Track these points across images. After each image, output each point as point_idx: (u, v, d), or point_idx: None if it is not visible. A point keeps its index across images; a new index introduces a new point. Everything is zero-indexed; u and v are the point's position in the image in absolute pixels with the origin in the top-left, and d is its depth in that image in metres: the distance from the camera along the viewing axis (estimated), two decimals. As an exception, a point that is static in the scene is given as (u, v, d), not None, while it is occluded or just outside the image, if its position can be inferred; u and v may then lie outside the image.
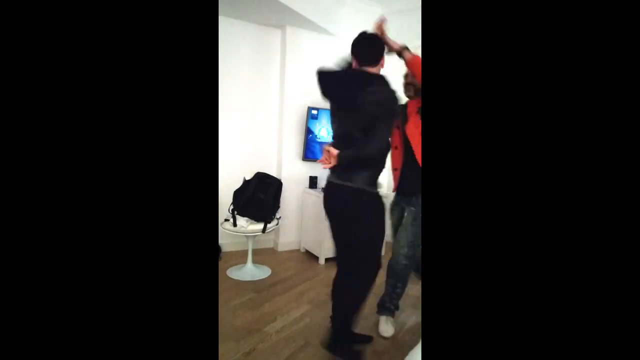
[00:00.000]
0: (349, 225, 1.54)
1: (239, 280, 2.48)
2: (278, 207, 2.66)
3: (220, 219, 2.58)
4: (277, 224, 2.64)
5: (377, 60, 1.52)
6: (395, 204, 1.90)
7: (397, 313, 1.95)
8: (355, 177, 1.47)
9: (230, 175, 2.78)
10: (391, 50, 1.59)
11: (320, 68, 1.56)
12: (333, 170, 1.52)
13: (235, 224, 2.46)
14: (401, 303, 1.95)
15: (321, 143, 3.04)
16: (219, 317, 1.95)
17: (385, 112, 1.44)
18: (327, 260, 2.88)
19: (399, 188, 1.85)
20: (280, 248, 3.16)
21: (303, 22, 2.81)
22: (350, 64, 1.56)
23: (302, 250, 3.17)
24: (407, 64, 1.61)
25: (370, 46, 1.52)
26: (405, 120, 1.76)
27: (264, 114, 3.11)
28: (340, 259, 1.66)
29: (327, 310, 1.76)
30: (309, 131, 3.04)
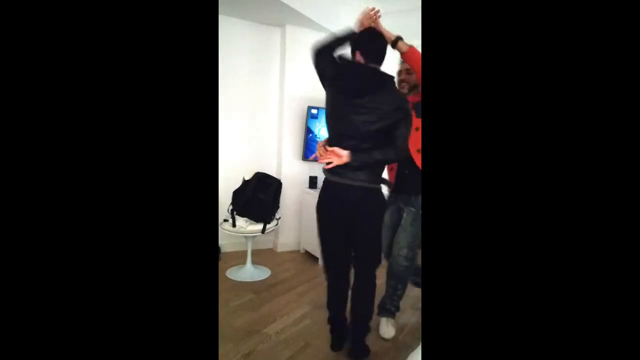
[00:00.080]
0: (354, 225, 1.52)
1: (238, 281, 2.47)
2: (277, 207, 2.65)
3: (220, 219, 2.57)
4: (276, 225, 2.63)
5: (384, 58, 1.50)
6: (391, 204, 1.85)
7: (397, 314, 1.94)
8: (365, 176, 1.46)
9: (230, 175, 2.76)
10: (386, 40, 1.55)
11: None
12: (333, 169, 1.47)
13: (234, 225, 2.45)
14: (401, 304, 1.94)
15: (321, 143, 3.03)
16: (219, 318, 1.94)
17: (405, 116, 1.44)
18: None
19: (397, 188, 1.82)
20: (280, 249, 3.15)
21: (303, 20, 2.80)
22: (351, 60, 1.50)
23: (302, 251, 3.16)
24: (404, 55, 1.59)
25: (378, 43, 1.49)
26: None
27: (264, 113, 3.10)
28: (337, 260, 1.62)
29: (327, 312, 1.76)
30: (308, 131, 3.03)
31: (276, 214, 2.64)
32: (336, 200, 1.51)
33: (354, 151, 1.42)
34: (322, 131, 3.06)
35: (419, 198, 1.74)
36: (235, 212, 2.48)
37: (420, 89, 1.76)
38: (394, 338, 1.85)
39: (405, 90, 1.78)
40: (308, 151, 3.06)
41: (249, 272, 2.57)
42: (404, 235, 1.77)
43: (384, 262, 1.88)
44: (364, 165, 1.44)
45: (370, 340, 1.66)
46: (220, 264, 2.74)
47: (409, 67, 1.74)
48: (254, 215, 2.48)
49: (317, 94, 2.97)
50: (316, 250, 2.92)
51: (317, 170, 3.09)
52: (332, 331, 1.72)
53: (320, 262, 2.86)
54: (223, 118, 2.85)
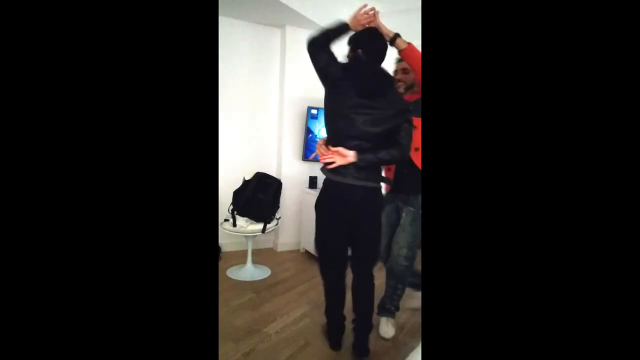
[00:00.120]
0: (356, 224, 1.52)
1: (238, 281, 2.47)
2: (278, 207, 2.65)
3: (220, 219, 2.58)
4: (276, 224, 2.64)
5: (384, 58, 1.49)
6: (389, 203, 1.84)
7: (397, 314, 1.94)
8: (368, 176, 1.48)
9: (230, 175, 2.77)
10: (384, 37, 1.53)
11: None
12: (335, 169, 1.46)
13: (234, 224, 2.46)
14: (401, 304, 1.95)
15: (321, 143, 3.04)
16: (219, 317, 1.94)
17: (409, 117, 1.46)
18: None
19: (395, 187, 1.81)
20: (280, 248, 3.16)
21: (303, 21, 2.81)
22: (362, 60, 1.47)
23: (302, 250, 3.16)
24: (402, 53, 1.57)
25: (379, 43, 1.48)
26: None
27: (264, 114, 3.11)
28: (338, 260, 1.63)
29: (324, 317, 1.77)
30: (308, 131, 3.04)
31: (276, 214, 2.65)
32: (339, 200, 1.50)
33: (359, 151, 1.42)
34: (322, 131, 3.07)
35: (418, 197, 1.74)
36: (235, 212, 2.49)
37: (416, 88, 1.76)
38: (394, 337, 1.85)
39: (401, 90, 1.78)
40: (308, 151, 3.07)
41: (249, 272, 2.57)
42: (404, 235, 1.77)
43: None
44: (368, 165, 1.45)
45: (370, 340, 1.66)
46: (221, 264, 2.75)
47: (405, 66, 1.74)
48: (254, 215, 2.49)
49: (317, 94, 2.97)
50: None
51: (317, 170, 3.10)
52: (330, 333, 1.72)
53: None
54: (224, 118, 2.86)
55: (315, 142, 3.02)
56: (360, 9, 1.50)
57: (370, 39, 1.49)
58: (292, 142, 3.12)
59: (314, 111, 3.02)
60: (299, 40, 2.98)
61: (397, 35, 1.57)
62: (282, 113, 3.08)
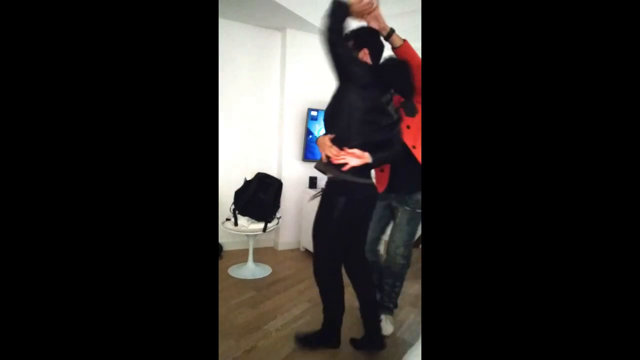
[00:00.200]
0: (360, 222, 1.58)
1: (240, 279, 2.50)
2: (278, 206, 2.68)
3: (222, 218, 2.61)
4: (277, 224, 2.67)
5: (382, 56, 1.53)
6: (380, 201, 1.79)
7: (395, 311, 1.98)
8: (368, 174, 1.53)
9: (232, 176, 2.81)
10: (381, 31, 1.50)
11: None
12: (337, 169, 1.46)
13: (236, 224, 2.49)
14: (399, 301, 1.98)
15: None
16: (220, 315, 1.98)
17: (400, 115, 1.55)
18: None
19: (390, 186, 1.80)
20: (281, 247, 3.19)
21: (303, 24, 2.83)
22: (396, 60, 1.51)
23: (302, 249, 3.20)
24: (398, 50, 1.54)
25: (380, 41, 1.51)
26: None
27: (265, 116, 3.13)
28: (340, 259, 1.62)
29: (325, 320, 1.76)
30: (308, 132, 3.07)
31: (277, 213, 2.68)
32: (350, 199, 1.49)
33: (370, 151, 1.44)
34: (321, 132, 3.09)
35: (413, 196, 1.76)
36: (237, 212, 2.52)
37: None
38: (392, 334, 1.88)
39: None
40: (308, 152, 3.10)
41: (250, 270, 2.61)
42: (400, 234, 1.80)
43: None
44: (373, 165, 1.50)
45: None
46: (223, 262, 2.78)
47: None
48: (255, 214, 2.52)
49: (316, 96, 3.02)
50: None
51: (317, 170, 3.13)
52: (330, 335, 1.70)
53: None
54: (225, 120, 2.89)
55: (315, 143, 3.06)
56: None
57: (370, 36, 1.49)
58: (293, 143, 3.15)
59: (313, 113, 3.05)
60: (299, 43, 3.02)
61: (392, 31, 1.53)
62: (283, 115, 3.11)
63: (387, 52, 1.58)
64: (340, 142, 1.45)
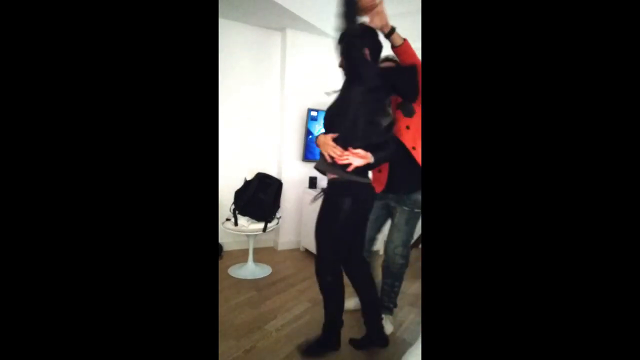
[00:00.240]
0: (361, 224, 1.59)
1: (240, 279, 2.51)
2: (278, 207, 2.69)
3: (222, 218, 2.62)
4: (277, 224, 2.68)
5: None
6: (376, 200, 1.76)
7: (395, 311, 1.98)
8: (366, 174, 1.54)
9: (232, 176, 2.82)
10: (382, 28, 1.48)
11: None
12: (338, 168, 1.46)
13: (236, 224, 2.50)
14: (399, 301, 1.98)
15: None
16: (221, 315, 1.98)
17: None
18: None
19: (388, 187, 1.80)
20: (280, 247, 3.19)
21: (303, 24, 2.84)
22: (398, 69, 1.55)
23: (302, 249, 3.20)
24: (398, 49, 1.53)
25: (379, 44, 1.53)
26: None
27: (265, 116, 3.14)
28: (341, 261, 1.61)
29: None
30: (308, 132, 3.07)
31: (277, 214, 2.69)
32: (355, 199, 1.49)
33: (370, 151, 1.46)
34: (321, 132, 3.09)
35: (411, 196, 1.77)
36: (237, 212, 2.52)
37: None
38: (392, 334, 1.88)
39: None
40: (308, 152, 3.10)
41: (250, 270, 2.61)
42: (398, 234, 1.80)
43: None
44: (377, 164, 1.53)
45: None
46: (223, 262, 2.78)
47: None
48: (255, 214, 2.52)
49: (316, 96, 3.02)
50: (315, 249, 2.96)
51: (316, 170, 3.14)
52: (331, 338, 1.67)
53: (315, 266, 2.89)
54: (225, 120, 2.90)
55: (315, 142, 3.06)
56: None
57: (371, 36, 1.49)
58: (293, 143, 3.15)
59: (313, 113, 3.05)
60: (299, 44, 3.02)
61: (393, 29, 1.51)
62: (283, 115, 3.11)
63: (387, 51, 1.59)
64: (344, 142, 1.44)
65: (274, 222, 2.63)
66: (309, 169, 3.15)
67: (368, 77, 1.43)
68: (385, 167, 1.79)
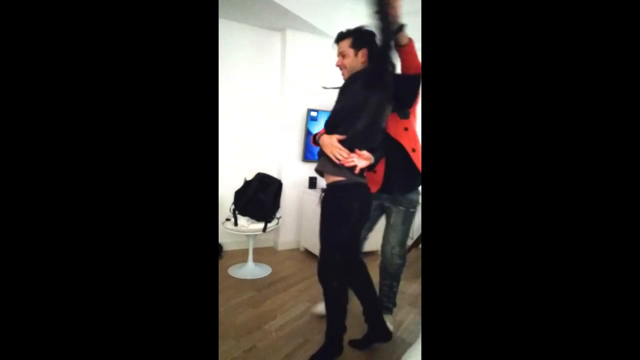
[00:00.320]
0: (362, 224, 1.59)
1: (239, 279, 2.51)
2: (278, 207, 2.69)
3: (222, 218, 2.62)
4: (277, 224, 2.68)
5: None
6: (373, 201, 1.75)
7: (394, 310, 1.98)
8: (362, 175, 1.55)
9: (232, 176, 2.82)
10: (392, 22, 1.38)
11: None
12: (346, 169, 1.45)
13: (236, 224, 2.50)
14: (398, 301, 1.98)
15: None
16: (220, 315, 1.98)
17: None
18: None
19: (384, 187, 1.77)
20: (280, 247, 3.20)
21: (303, 25, 2.84)
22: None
23: (302, 249, 3.21)
24: (403, 49, 1.52)
25: (375, 40, 1.52)
26: None
27: (265, 116, 3.14)
28: (344, 262, 1.58)
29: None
30: (308, 132, 3.07)
31: (277, 214, 2.69)
32: (359, 200, 1.49)
33: (372, 152, 1.49)
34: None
35: (407, 196, 1.77)
36: (237, 212, 2.53)
37: None
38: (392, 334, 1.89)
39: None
40: (308, 152, 3.11)
41: (250, 270, 2.61)
42: (395, 234, 1.81)
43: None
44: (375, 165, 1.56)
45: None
46: (223, 262, 2.79)
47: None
48: (255, 214, 2.53)
49: (316, 97, 3.03)
50: (315, 249, 2.97)
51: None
52: (335, 344, 1.62)
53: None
54: (225, 121, 2.90)
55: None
56: None
57: (372, 39, 1.48)
58: (292, 144, 3.15)
59: (313, 113, 3.06)
60: (299, 44, 3.03)
61: (402, 27, 1.46)
62: (283, 115, 3.12)
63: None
64: (351, 144, 1.44)
65: (274, 222, 2.63)
66: (309, 169, 3.16)
67: (389, 86, 1.47)
68: (380, 168, 1.76)
